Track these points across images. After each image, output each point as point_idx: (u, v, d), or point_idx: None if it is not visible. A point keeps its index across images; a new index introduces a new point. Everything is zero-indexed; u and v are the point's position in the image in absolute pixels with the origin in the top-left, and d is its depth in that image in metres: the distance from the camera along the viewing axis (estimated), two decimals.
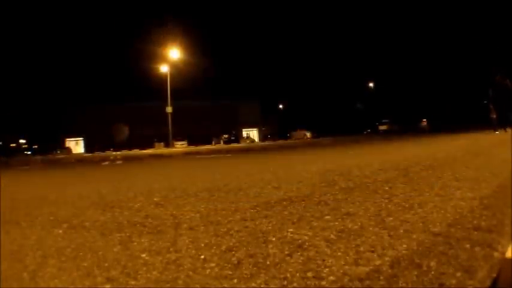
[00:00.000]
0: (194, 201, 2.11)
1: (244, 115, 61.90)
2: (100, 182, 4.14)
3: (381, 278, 0.85)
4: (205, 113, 58.19)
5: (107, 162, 9.88)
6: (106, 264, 1.09)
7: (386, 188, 2.05)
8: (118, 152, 29.07)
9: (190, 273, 0.97)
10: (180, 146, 38.33)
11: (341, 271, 0.91)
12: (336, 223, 1.37)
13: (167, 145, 38.06)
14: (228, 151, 12.72)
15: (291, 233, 1.29)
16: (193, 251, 1.16)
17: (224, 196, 2.20)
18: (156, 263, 1.07)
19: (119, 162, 9.84)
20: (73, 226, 1.65)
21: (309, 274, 0.90)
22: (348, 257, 1.00)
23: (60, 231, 1.56)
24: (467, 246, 1.01)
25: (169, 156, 11.64)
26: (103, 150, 38.43)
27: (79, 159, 15.05)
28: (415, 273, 0.86)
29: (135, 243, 1.30)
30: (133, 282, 0.94)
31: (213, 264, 1.03)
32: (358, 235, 1.20)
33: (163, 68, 37.72)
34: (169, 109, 35.82)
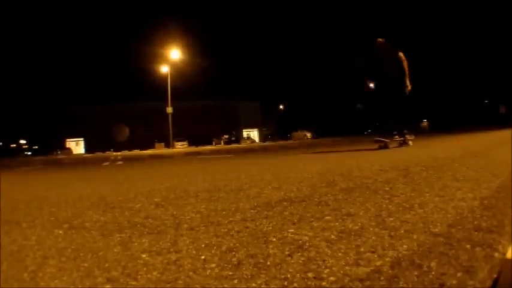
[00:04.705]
0: (194, 201, 2.11)
1: (244, 115, 61.90)
2: (100, 182, 4.15)
3: (382, 278, 0.85)
4: (205, 113, 58.20)
5: (107, 163, 9.88)
6: (106, 265, 1.09)
7: (387, 189, 2.05)
8: (118, 153, 29.07)
9: (191, 273, 0.97)
10: (181, 147, 38.34)
11: (341, 271, 0.91)
12: (337, 223, 1.37)
13: (167, 145, 38.07)
14: (228, 151, 12.72)
15: (292, 233, 1.29)
16: (194, 252, 1.16)
17: (224, 196, 2.20)
18: (156, 263, 1.07)
19: (119, 162, 9.85)
20: (73, 227, 1.65)
21: (310, 274, 0.90)
22: (348, 258, 1.00)
23: (61, 232, 1.56)
24: (468, 246, 1.01)
25: (170, 157, 11.64)
26: (103, 151, 38.42)
27: (80, 160, 15.06)
28: (416, 273, 0.86)
29: (136, 244, 1.30)
30: (133, 283, 0.94)
31: (213, 265, 1.03)
32: (358, 235, 1.20)
33: (164, 68, 37.73)
34: (169, 109, 35.83)
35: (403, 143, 6.52)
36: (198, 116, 56.24)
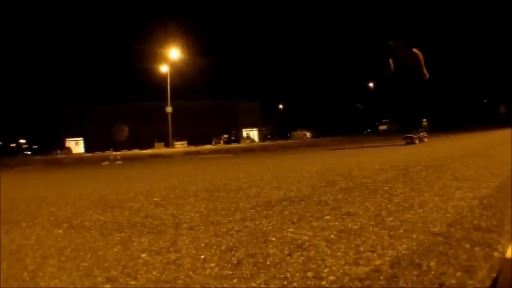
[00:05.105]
0: (194, 201, 2.11)
1: (244, 115, 61.88)
2: (100, 182, 4.15)
3: (381, 277, 0.85)
4: (205, 112, 58.19)
5: (107, 162, 9.88)
6: (106, 264, 1.09)
7: (386, 188, 2.05)
8: (118, 152, 29.07)
9: (190, 273, 0.97)
10: (180, 146, 38.32)
11: (341, 271, 0.91)
12: (336, 223, 1.37)
13: (167, 145, 38.07)
14: (228, 151, 12.72)
15: (291, 233, 1.29)
16: (193, 251, 1.16)
17: (224, 196, 2.20)
18: (156, 263, 1.07)
19: (118, 162, 9.85)
20: (73, 226, 1.65)
21: (309, 274, 0.90)
22: (348, 257, 1.00)
23: (60, 231, 1.56)
24: (467, 246, 1.01)
25: (170, 156, 11.64)
26: (103, 150, 38.42)
27: (79, 159, 15.05)
28: (415, 273, 0.86)
29: (135, 243, 1.30)
30: (133, 282, 0.94)
31: (213, 264, 1.03)
32: (358, 235, 1.20)
33: (163, 68, 37.70)
34: (169, 109, 35.82)
35: (420, 140, 7.31)
36: (197, 115, 56.22)
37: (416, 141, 7.05)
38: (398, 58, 7.08)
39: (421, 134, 7.41)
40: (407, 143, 6.94)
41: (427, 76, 7.12)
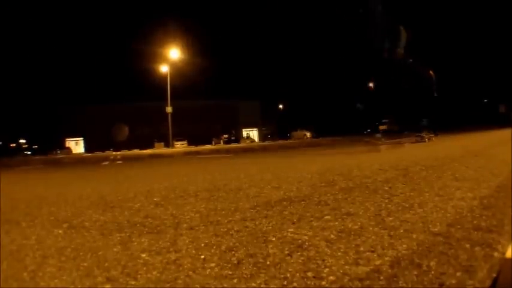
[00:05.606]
0: (194, 201, 2.11)
1: (244, 115, 61.82)
2: (100, 182, 4.15)
3: (381, 278, 0.85)
4: (205, 112, 58.13)
5: (107, 162, 9.88)
6: (106, 264, 1.09)
7: (386, 188, 2.05)
8: (118, 152, 29.07)
9: (190, 273, 0.97)
10: (180, 146, 38.27)
11: (341, 271, 0.91)
12: (336, 223, 1.37)
13: (167, 145, 38.06)
14: (228, 151, 12.72)
15: (291, 232, 1.29)
16: (193, 251, 1.16)
17: (224, 196, 2.20)
18: (156, 263, 1.07)
19: (118, 162, 9.85)
20: (73, 226, 1.65)
21: (309, 274, 0.90)
22: (348, 257, 1.00)
23: (60, 231, 1.56)
24: (467, 246, 1.01)
25: (170, 156, 11.64)
26: (103, 150, 38.43)
27: (79, 159, 15.06)
28: (415, 273, 0.86)
29: (135, 243, 1.30)
30: (133, 282, 0.94)
31: (213, 264, 1.03)
32: (358, 235, 1.20)
33: (163, 68, 37.69)
34: (169, 109, 35.81)
35: (429, 139, 8.33)
36: (197, 115, 56.16)
37: (426, 140, 8.10)
38: (415, 73, 8.29)
39: (430, 134, 8.45)
40: (417, 141, 7.85)
41: (435, 95, 8.40)
